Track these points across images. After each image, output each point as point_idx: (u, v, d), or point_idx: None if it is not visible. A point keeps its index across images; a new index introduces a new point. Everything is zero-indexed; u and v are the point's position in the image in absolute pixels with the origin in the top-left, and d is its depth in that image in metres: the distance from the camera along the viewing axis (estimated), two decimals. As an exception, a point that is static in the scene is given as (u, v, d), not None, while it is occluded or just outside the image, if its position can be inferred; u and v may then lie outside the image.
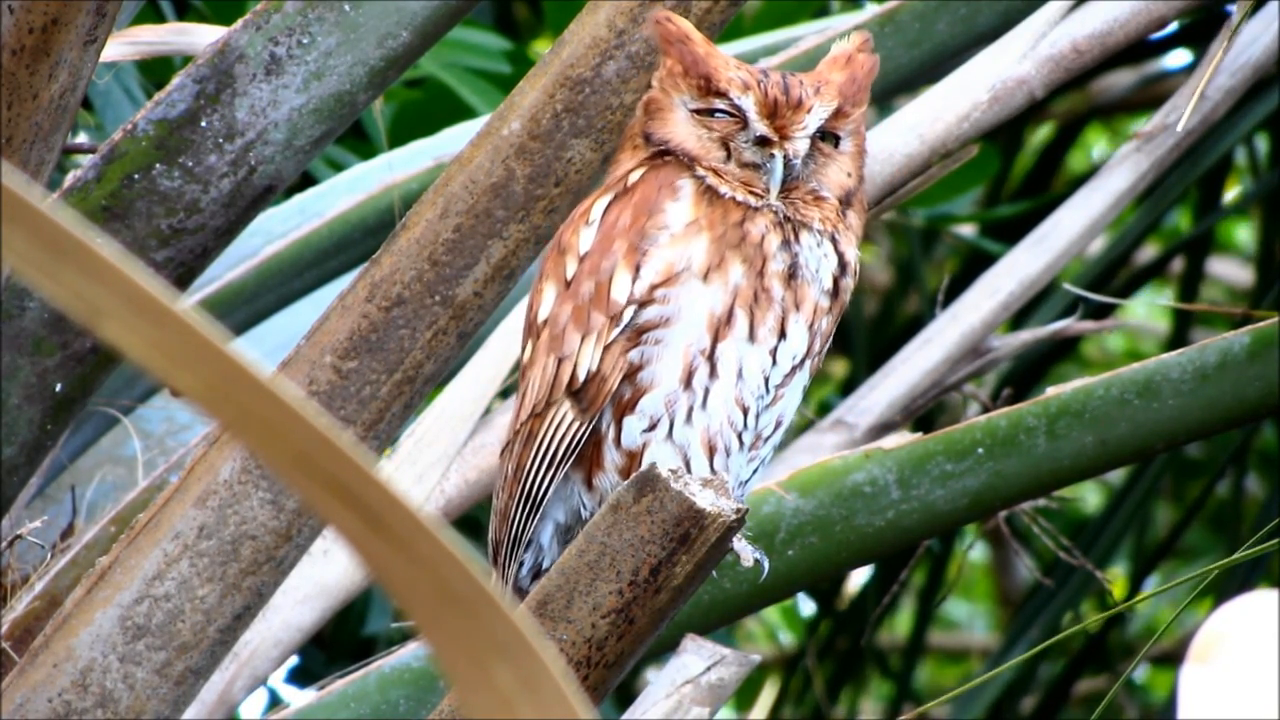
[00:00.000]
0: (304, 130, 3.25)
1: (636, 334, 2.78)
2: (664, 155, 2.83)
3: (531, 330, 2.86)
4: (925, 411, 4.23)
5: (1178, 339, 5.41)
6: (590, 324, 2.79)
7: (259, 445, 1.56)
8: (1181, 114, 4.07)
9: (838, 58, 2.86)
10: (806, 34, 4.11)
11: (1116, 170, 4.19)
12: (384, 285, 2.99)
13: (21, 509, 3.67)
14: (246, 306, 3.97)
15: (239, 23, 3.25)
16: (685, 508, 2.60)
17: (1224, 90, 4.17)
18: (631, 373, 2.78)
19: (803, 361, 2.82)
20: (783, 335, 2.79)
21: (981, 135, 4.04)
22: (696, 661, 3.24)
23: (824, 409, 5.12)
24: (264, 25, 3.23)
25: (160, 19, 4.46)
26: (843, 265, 2.83)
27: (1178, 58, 5.79)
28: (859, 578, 6.11)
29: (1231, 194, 5.98)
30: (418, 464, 3.86)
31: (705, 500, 2.60)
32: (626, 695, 5.61)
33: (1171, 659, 6.93)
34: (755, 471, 2.85)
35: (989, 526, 4.61)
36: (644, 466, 2.69)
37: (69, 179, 3.30)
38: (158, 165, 3.25)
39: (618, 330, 2.77)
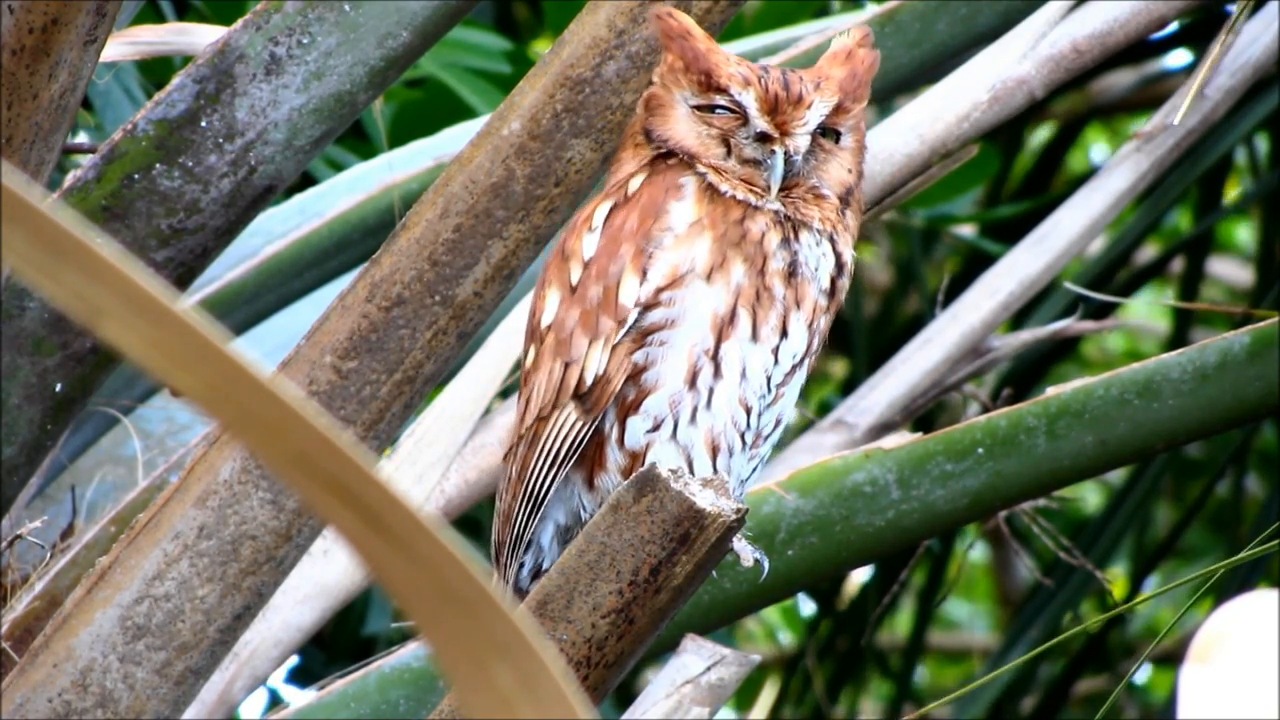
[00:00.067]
0: (304, 130, 3.25)
1: (641, 335, 2.77)
2: (665, 157, 2.83)
3: (534, 335, 2.86)
4: (925, 411, 4.23)
5: (1178, 339, 5.41)
6: (599, 328, 2.78)
7: (259, 445, 1.56)
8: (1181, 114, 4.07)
9: (838, 53, 2.85)
10: (806, 34, 4.10)
11: (1116, 170, 4.19)
12: (384, 285, 2.99)
13: (21, 509, 3.67)
14: (246, 306, 3.96)
15: (239, 23, 3.25)
16: (685, 508, 2.60)
17: (1224, 90, 4.16)
18: (636, 374, 2.77)
19: (802, 360, 2.82)
20: (784, 334, 2.79)
21: (981, 135, 4.04)
22: (696, 661, 3.24)
23: (824, 409, 5.12)
24: (264, 25, 3.23)
25: (160, 19, 4.46)
26: (840, 265, 2.83)
27: (1178, 58, 5.78)
28: (859, 578, 6.11)
29: (1231, 194, 5.98)
30: (418, 464, 3.85)
31: (705, 500, 2.60)
32: (626, 695, 5.60)
33: (1172, 659, 6.93)
34: (754, 470, 2.85)
35: (989, 526, 4.61)
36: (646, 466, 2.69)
37: (69, 179, 3.30)
38: (158, 165, 3.25)
39: (623, 332, 2.77)
